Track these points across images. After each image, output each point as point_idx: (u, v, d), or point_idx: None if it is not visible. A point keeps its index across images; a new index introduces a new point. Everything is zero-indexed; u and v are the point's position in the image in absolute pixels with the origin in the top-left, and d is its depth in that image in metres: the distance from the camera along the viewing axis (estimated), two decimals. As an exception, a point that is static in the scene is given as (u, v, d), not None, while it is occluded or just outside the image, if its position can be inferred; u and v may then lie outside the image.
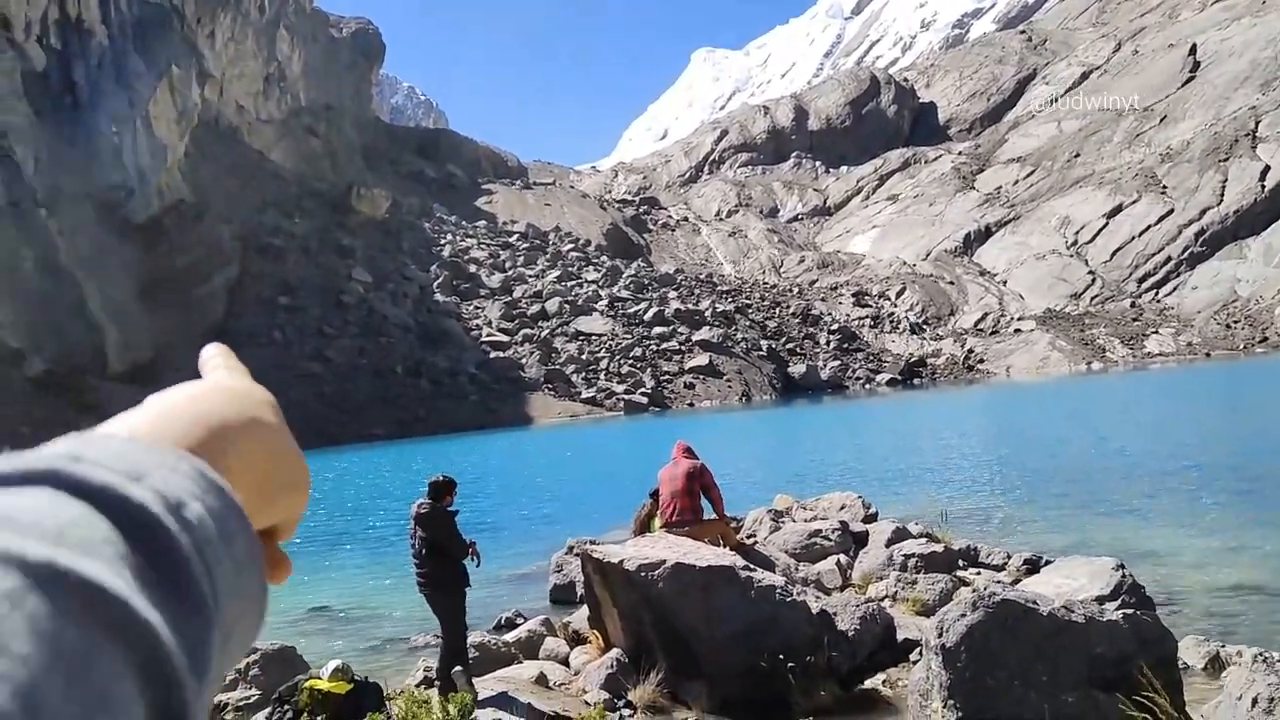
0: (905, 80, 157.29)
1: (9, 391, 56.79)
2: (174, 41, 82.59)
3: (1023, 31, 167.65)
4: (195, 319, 73.09)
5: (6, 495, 0.42)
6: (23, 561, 0.38)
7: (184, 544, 0.45)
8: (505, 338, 79.94)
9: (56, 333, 63.71)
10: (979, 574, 11.13)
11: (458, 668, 8.66)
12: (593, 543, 11.16)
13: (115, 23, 77.80)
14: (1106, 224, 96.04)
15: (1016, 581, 10.00)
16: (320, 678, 8.10)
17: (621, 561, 8.55)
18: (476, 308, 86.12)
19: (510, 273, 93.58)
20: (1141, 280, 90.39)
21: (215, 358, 0.69)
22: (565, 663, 9.89)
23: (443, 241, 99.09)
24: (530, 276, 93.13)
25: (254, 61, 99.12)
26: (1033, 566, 11.15)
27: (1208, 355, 75.88)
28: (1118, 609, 7.08)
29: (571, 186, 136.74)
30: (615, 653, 8.79)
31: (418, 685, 9.28)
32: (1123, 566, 8.79)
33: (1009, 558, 11.81)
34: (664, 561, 8.38)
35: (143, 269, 72.91)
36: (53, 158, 69.39)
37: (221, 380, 0.64)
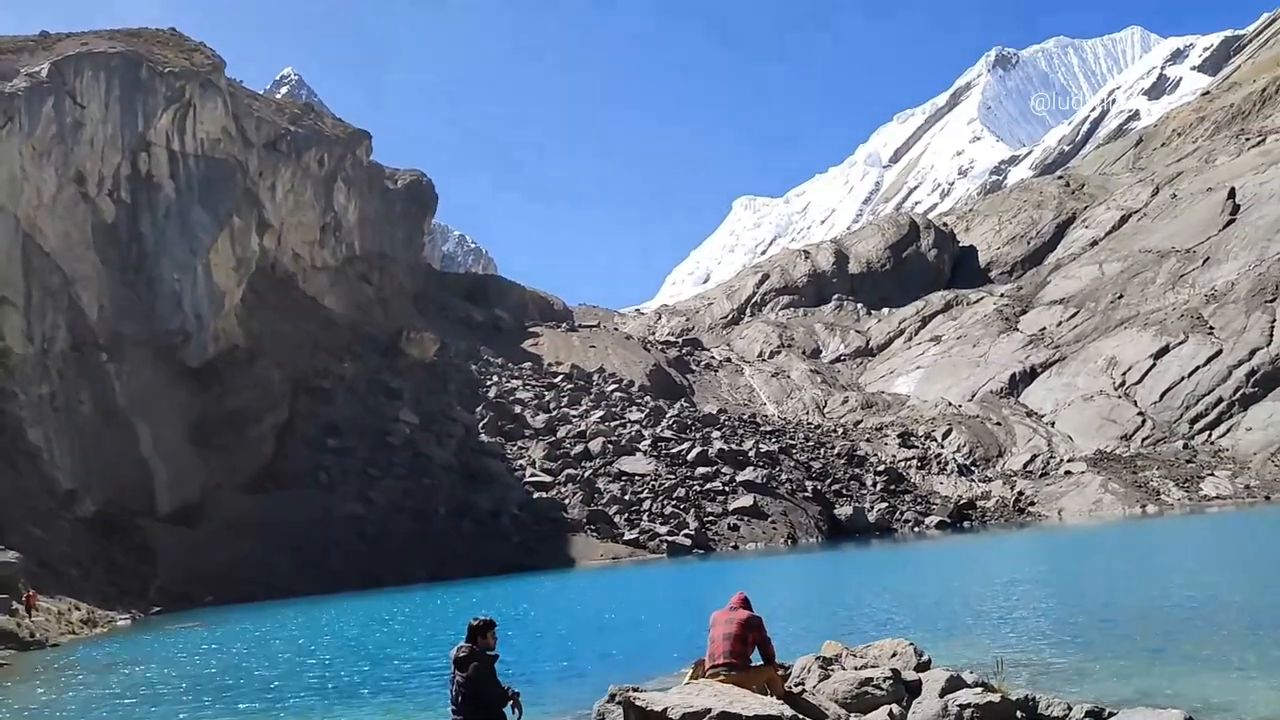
0: (945, 225, 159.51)
1: (59, 532, 57.44)
2: (236, 193, 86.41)
3: (1060, 177, 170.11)
4: (244, 460, 74.05)
5: None
6: None
7: None
8: (548, 478, 79.80)
9: (108, 474, 64.78)
10: (1039, 726, 10.67)
11: (495, 820, 8.37)
12: (635, 689, 10.87)
13: (182, 177, 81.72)
14: (1154, 365, 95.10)
15: (1079, 735, 9.56)
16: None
17: (665, 710, 8.32)
18: (520, 448, 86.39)
19: (554, 413, 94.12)
20: (1193, 421, 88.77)
21: None
22: (607, 817, 9.53)
23: (489, 383, 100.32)
24: (574, 417, 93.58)
25: (312, 212, 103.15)
26: (1096, 717, 10.68)
27: (1267, 498, 73.69)
28: (1188, 764, 6.73)
29: (616, 328, 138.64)
30: (659, 807, 8.46)
31: (454, 839, 8.96)
32: (1191, 718, 8.38)
33: (1069, 709, 11.32)
34: (709, 710, 8.15)
35: (194, 411, 74.47)
36: (115, 304, 71.97)
37: None
